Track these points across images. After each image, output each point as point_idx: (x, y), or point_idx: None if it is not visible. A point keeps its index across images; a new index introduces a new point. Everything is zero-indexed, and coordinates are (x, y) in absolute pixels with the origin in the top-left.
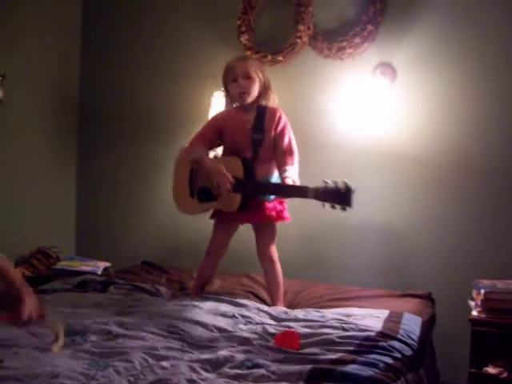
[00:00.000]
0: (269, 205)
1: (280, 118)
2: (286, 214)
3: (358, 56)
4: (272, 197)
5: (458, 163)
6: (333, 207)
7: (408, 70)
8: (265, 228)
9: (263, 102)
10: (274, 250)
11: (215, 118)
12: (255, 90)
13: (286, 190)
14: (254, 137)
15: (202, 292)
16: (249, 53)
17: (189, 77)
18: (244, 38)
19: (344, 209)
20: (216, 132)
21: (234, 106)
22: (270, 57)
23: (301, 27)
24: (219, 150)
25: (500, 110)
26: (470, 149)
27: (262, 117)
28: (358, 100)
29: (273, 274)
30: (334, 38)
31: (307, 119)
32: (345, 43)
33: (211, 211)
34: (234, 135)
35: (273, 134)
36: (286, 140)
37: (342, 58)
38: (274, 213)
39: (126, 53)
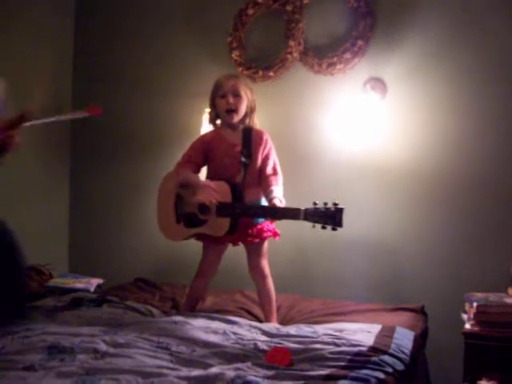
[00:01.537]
0: (259, 225)
1: (266, 141)
2: (276, 231)
3: (348, 71)
4: (261, 219)
5: (449, 177)
6: (323, 227)
7: (398, 84)
8: (255, 245)
9: (248, 122)
10: (266, 266)
11: (201, 140)
12: (243, 109)
13: (276, 213)
14: (243, 160)
15: (194, 310)
16: (240, 69)
17: (180, 93)
18: (235, 54)
19: (334, 229)
20: (202, 153)
21: (219, 124)
22: (260, 72)
23: (291, 43)
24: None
25: (491, 124)
26: (461, 163)
27: (249, 139)
28: (348, 115)
29: (265, 290)
30: (325, 54)
31: (298, 134)
32: (335, 59)
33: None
34: (222, 158)
35: (259, 157)
36: (271, 163)
37: (333, 74)
38: (270, 233)
39: (117, 69)
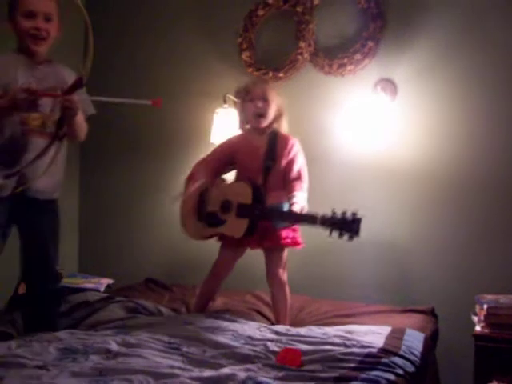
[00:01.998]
0: (281, 231)
1: (292, 145)
2: (299, 239)
3: (358, 72)
4: (282, 224)
5: (459, 178)
6: (340, 235)
7: (409, 85)
8: (275, 253)
9: (275, 127)
10: (284, 275)
11: (227, 142)
12: (271, 114)
13: (294, 217)
14: (265, 163)
15: (204, 310)
16: (250, 70)
17: (190, 93)
18: (245, 55)
19: (351, 237)
20: (226, 156)
21: (247, 128)
22: (271, 73)
23: (302, 44)
24: (230, 175)
25: (501, 125)
26: (472, 164)
27: (274, 143)
28: (359, 116)
29: (280, 298)
30: (335, 55)
31: (308, 135)
32: (345, 60)
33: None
34: (246, 160)
35: (284, 161)
36: (296, 167)
37: (343, 75)
38: (288, 240)
39: (126, 69)
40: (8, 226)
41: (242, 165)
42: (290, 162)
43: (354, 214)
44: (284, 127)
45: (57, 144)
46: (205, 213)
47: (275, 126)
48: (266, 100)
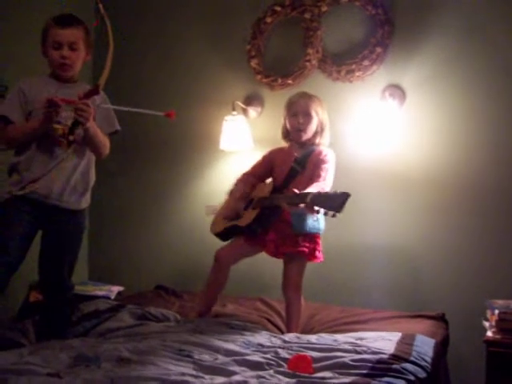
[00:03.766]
0: (301, 239)
1: (325, 155)
2: (318, 253)
3: (367, 78)
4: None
5: (468, 183)
6: (325, 214)
7: (417, 91)
8: (294, 261)
9: (317, 140)
10: (301, 285)
11: (267, 153)
12: (312, 129)
13: (289, 197)
14: (293, 166)
15: (209, 311)
16: (259, 77)
17: (199, 101)
18: (254, 63)
19: (334, 215)
20: (266, 166)
21: (289, 140)
22: (279, 80)
23: (310, 51)
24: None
25: (509, 130)
26: (480, 169)
27: (310, 153)
28: (367, 122)
29: (294, 307)
30: (343, 61)
31: None
32: (354, 66)
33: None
34: (279, 165)
35: (312, 167)
36: (322, 171)
37: (351, 81)
38: (305, 249)
39: (135, 77)
40: (34, 234)
41: (276, 170)
42: (317, 168)
43: (343, 192)
44: (326, 141)
45: (66, 150)
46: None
47: (317, 139)
48: (307, 115)
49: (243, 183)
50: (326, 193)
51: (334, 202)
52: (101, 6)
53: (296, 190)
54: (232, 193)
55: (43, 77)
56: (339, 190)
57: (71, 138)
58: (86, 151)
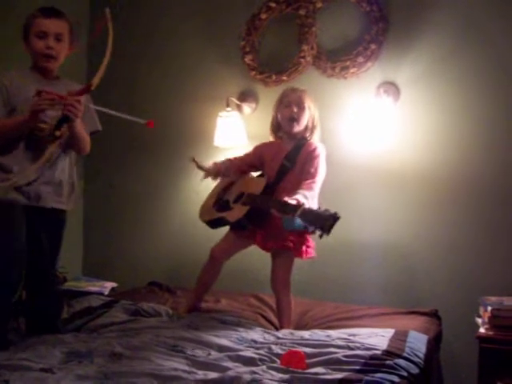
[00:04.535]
0: (289, 234)
1: (315, 149)
2: (308, 249)
3: (361, 75)
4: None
5: (462, 180)
6: (313, 232)
7: (411, 88)
8: (281, 257)
9: (308, 136)
10: (289, 280)
11: (260, 144)
12: (304, 121)
13: (280, 205)
14: (284, 163)
15: (200, 299)
16: (253, 73)
17: (193, 97)
18: (248, 59)
19: (321, 235)
20: (255, 156)
21: (280, 134)
22: (274, 77)
23: (304, 47)
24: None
25: (504, 127)
26: (474, 166)
27: (300, 148)
28: (361, 119)
29: (284, 303)
30: (338, 58)
31: None
32: (348, 62)
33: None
34: (269, 159)
35: (302, 163)
36: (312, 169)
37: (346, 77)
38: (291, 244)
39: (129, 73)
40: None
41: (266, 164)
42: (307, 163)
43: (333, 213)
44: (316, 139)
45: (51, 146)
46: (222, 200)
47: (308, 135)
48: (301, 106)
49: (234, 170)
50: (317, 211)
51: (324, 224)
52: (108, 11)
53: (287, 199)
54: (223, 174)
55: (25, 71)
56: (329, 211)
57: (57, 133)
58: (70, 150)
